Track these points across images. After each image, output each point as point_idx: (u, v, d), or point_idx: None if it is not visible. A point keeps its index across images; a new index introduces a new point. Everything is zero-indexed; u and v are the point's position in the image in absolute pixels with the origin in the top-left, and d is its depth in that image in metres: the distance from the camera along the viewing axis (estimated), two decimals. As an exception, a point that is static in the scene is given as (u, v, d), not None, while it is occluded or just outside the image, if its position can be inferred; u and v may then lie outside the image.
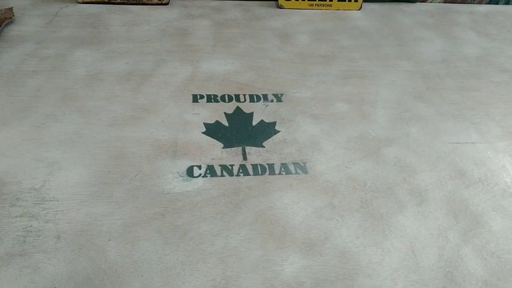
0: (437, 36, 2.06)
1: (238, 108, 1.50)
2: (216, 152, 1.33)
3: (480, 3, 2.38)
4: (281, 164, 1.30)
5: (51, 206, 1.13)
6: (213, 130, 1.40)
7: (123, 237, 1.07)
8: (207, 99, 1.53)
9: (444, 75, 1.77)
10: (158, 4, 2.12)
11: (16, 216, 1.09)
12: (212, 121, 1.44)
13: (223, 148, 1.34)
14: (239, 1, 2.23)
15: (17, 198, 1.14)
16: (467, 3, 2.37)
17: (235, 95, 1.56)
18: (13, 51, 1.71)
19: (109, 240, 1.06)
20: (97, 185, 1.19)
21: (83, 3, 2.08)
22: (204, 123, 1.42)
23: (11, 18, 1.88)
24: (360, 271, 1.03)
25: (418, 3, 2.34)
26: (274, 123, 1.45)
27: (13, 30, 1.84)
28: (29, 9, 2.02)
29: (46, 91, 1.52)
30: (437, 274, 1.04)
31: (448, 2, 2.37)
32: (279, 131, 1.41)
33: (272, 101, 1.55)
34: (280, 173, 1.27)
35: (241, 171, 1.27)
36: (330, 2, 2.21)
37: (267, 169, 1.28)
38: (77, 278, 0.97)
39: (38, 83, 1.56)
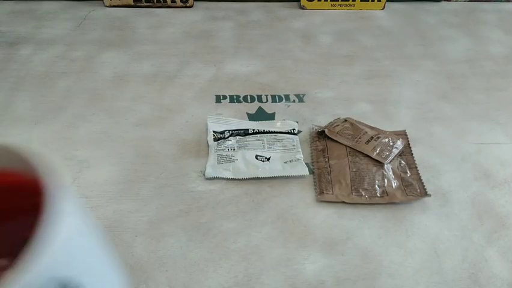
0: (462, 35, 2.03)
1: (260, 108, 1.52)
2: (238, 151, 1.34)
3: (508, 1, 2.33)
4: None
5: (81, 202, 1.17)
6: (235, 130, 1.42)
7: (149, 233, 1.10)
8: (230, 100, 1.56)
9: (469, 74, 1.75)
10: (182, 7, 2.16)
11: (48, 212, 1.14)
12: (235, 121, 1.46)
13: (245, 148, 1.36)
14: (261, 3, 2.25)
15: (49, 195, 1.19)
16: (494, 1, 2.32)
17: (257, 95, 1.58)
18: (44, 54, 1.78)
19: (136, 236, 1.09)
20: (124, 183, 1.23)
21: (110, 6, 2.14)
22: (227, 123, 1.45)
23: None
24: (382, 271, 1.04)
25: (443, 2, 2.31)
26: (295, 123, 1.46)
27: (44, 34, 1.91)
28: (59, 13, 2.09)
29: (75, 92, 1.57)
30: (461, 275, 1.03)
31: (474, 1, 2.33)
32: (300, 131, 1.42)
33: (294, 101, 1.56)
34: (302, 173, 1.28)
35: (263, 170, 1.29)
36: (353, 2, 2.20)
37: (289, 169, 1.29)
38: (105, 272, 1.01)
39: (67, 84, 1.61)
